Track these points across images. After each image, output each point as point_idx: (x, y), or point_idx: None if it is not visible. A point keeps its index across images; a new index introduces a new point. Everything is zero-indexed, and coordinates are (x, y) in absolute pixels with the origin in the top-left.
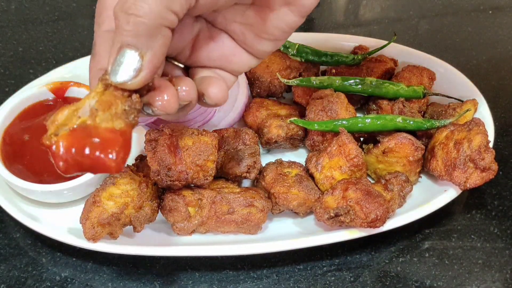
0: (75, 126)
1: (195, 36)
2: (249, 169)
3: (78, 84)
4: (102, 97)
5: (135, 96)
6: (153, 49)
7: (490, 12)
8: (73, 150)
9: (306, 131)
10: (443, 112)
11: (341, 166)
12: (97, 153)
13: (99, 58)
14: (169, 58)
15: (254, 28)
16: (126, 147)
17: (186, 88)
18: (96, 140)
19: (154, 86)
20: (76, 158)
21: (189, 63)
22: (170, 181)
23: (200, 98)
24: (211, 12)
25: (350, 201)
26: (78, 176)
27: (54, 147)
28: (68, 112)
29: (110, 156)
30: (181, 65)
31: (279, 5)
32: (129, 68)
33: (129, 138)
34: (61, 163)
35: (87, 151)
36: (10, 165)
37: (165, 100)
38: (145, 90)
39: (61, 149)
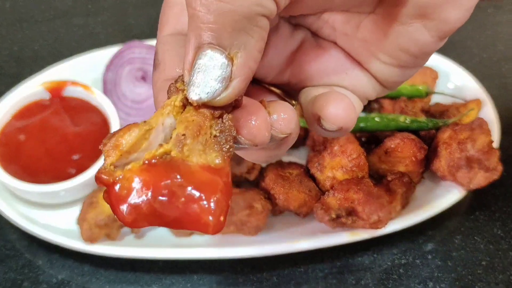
0: (153, 160)
1: (294, 49)
2: (249, 169)
3: (75, 83)
4: (183, 115)
5: (226, 117)
6: (247, 48)
7: (488, 10)
8: (150, 194)
9: (306, 131)
10: (446, 111)
11: (342, 167)
12: (190, 202)
13: (164, 67)
14: (259, 81)
15: (370, 45)
16: (227, 194)
17: (284, 116)
18: (187, 182)
19: (240, 104)
20: (154, 206)
21: (289, 85)
22: None
23: (315, 124)
24: (315, 19)
25: (351, 202)
26: (73, 175)
27: (118, 186)
28: (138, 132)
29: (208, 207)
30: (277, 90)
31: (409, 17)
32: (213, 76)
33: (229, 179)
34: (126, 211)
35: (175, 197)
36: (6, 166)
37: (253, 126)
38: (230, 108)
39: (133, 191)
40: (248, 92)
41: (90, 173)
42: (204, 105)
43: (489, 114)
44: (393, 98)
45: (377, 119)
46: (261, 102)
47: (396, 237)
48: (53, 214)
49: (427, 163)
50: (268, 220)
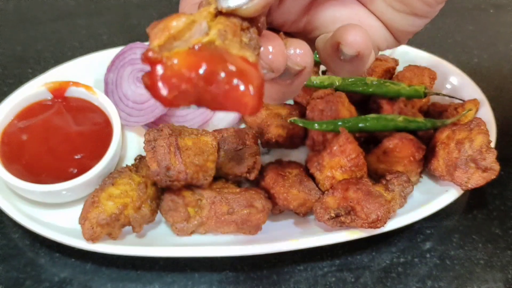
0: (197, 46)
1: None
2: (249, 169)
3: (77, 84)
4: (217, 21)
5: (253, 31)
6: None
7: (491, 10)
8: (195, 73)
9: (306, 131)
10: (445, 112)
11: (341, 166)
12: (233, 84)
13: None
14: (276, 30)
15: None
16: (262, 84)
17: (300, 51)
18: (231, 65)
19: (261, 30)
20: (197, 84)
21: (305, 33)
22: (170, 181)
23: (333, 56)
24: None
25: (350, 202)
26: (75, 174)
27: (162, 66)
28: (185, 20)
29: (248, 90)
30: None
31: None
32: None
33: (263, 77)
34: (168, 88)
35: (218, 77)
36: (9, 165)
37: (271, 52)
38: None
39: (179, 71)
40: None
41: (92, 173)
42: (233, 15)
43: (487, 114)
44: (392, 98)
45: (376, 119)
46: (278, 34)
47: (395, 236)
48: (55, 213)
49: (425, 163)
50: (268, 219)
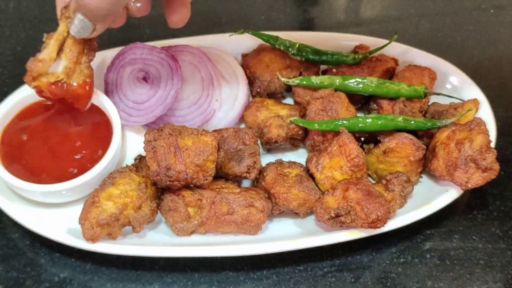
0: (53, 81)
1: None
2: (249, 169)
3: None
4: (68, 45)
5: (95, 43)
6: (104, 24)
7: (491, 11)
8: (53, 96)
9: (306, 131)
10: (444, 112)
11: (341, 166)
12: (72, 99)
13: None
14: None
15: None
16: (91, 89)
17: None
18: (71, 93)
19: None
20: (55, 99)
21: None
22: (170, 181)
23: None
24: None
25: (350, 202)
26: (75, 174)
27: (36, 89)
28: (42, 65)
29: (80, 103)
30: None
31: None
32: (85, 30)
33: (92, 80)
34: (43, 97)
35: (65, 98)
36: (9, 165)
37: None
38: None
39: (43, 92)
40: None
41: (92, 173)
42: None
43: (486, 114)
44: (392, 98)
45: (376, 119)
46: None
47: (395, 236)
48: (55, 213)
49: (425, 163)
50: (268, 219)
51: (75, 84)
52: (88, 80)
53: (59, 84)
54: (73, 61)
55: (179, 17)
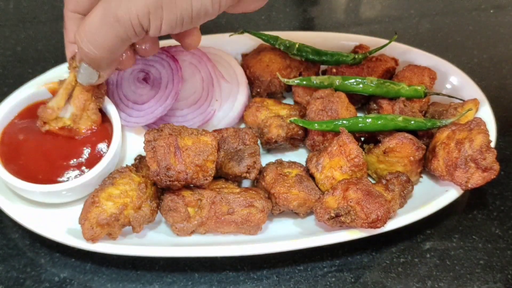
0: (59, 126)
1: None
2: (249, 169)
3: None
4: (76, 94)
5: (103, 90)
6: (106, 72)
7: (491, 11)
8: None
9: (306, 131)
10: (444, 111)
11: (341, 166)
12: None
13: (67, 33)
14: None
15: None
16: (107, 136)
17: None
18: (79, 138)
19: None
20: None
21: None
22: (170, 181)
23: None
24: None
25: (350, 202)
26: (75, 174)
27: (46, 130)
28: (51, 112)
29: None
30: None
31: None
32: (91, 78)
33: (100, 117)
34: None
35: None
36: (9, 165)
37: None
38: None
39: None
40: None
41: (92, 173)
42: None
43: (487, 114)
44: (392, 98)
45: (376, 119)
46: None
47: (395, 236)
48: (55, 213)
49: (425, 163)
50: (268, 219)
51: (81, 128)
52: (94, 127)
53: (67, 128)
54: (80, 108)
55: (192, 39)
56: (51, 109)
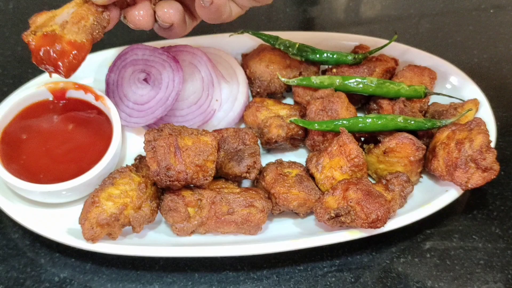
0: (46, 32)
1: None
2: (249, 169)
3: (78, 84)
4: (79, 9)
5: (106, 14)
6: None
7: (491, 11)
8: (42, 50)
9: (306, 131)
10: (444, 111)
11: (341, 166)
12: (56, 57)
13: None
14: None
15: None
16: (79, 59)
17: (169, 11)
18: (58, 47)
19: (132, 2)
20: (42, 56)
21: None
22: (170, 181)
23: (199, 2)
24: None
25: (350, 202)
26: (75, 174)
27: (30, 44)
28: (46, 16)
29: (64, 62)
30: None
31: None
32: None
33: (86, 51)
34: (33, 57)
35: (50, 53)
36: (9, 165)
37: (138, 15)
38: (125, 4)
39: (33, 47)
40: None
41: (92, 173)
42: (92, 3)
43: (487, 114)
44: (392, 98)
45: (376, 119)
46: (150, 1)
47: (395, 236)
48: (55, 213)
49: (425, 163)
50: (268, 219)
51: (66, 37)
52: (81, 42)
53: (51, 34)
54: (75, 18)
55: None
56: (45, 14)
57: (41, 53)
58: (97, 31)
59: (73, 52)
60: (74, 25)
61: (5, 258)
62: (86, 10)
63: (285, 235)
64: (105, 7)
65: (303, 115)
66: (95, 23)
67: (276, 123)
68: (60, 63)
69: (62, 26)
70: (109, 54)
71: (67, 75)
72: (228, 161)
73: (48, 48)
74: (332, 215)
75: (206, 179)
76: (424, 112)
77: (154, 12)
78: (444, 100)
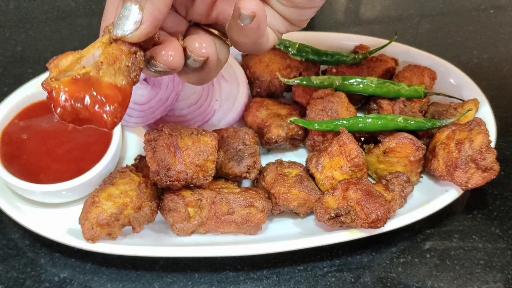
0: (78, 76)
1: None
2: (249, 169)
3: None
4: (107, 49)
5: (139, 54)
6: (153, 2)
7: (491, 11)
8: (73, 99)
9: (306, 131)
10: (444, 111)
11: (341, 166)
12: (96, 106)
13: (106, 16)
14: (198, 24)
15: None
16: (124, 105)
17: (198, 45)
18: (97, 93)
19: (160, 41)
20: (75, 107)
21: (220, 22)
22: (170, 181)
23: (237, 21)
24: None
25: (350, 202)
26: (75, 174)
27: (54, 92)
28: (72, 58)
29: (108, 111)
30: (215, 31)
31: None
32: (130, 21)
33: (129, 96)
34: (59, 109)
35: (86, 102)
36: (9, 165)
37: (168, 55)
38: (151, 45)
39: (62, 96)
40: (188, 32)
41: (91, 173)
42: (123, 41)
43: (487, 114)
44: (392, 98)
45: (376, 119)
46: (177, 36)
47: (395, 236)
48: (55, 213)
49: (425, 163)
50: (268, 219)
51: (103, 81)
52: (122, 85)
53: (84, 78)
54: (108, 59)
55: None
56: (71, 55)
57: (72, 103)
58: (134, 74)
59: (117, 97)
60: (109, 67)
61: (5, 258)
62: (117, 50)
63: (285, 235)
64: (139, 46)
65: (303, 115)
66: (130, 64)
67: (276, 123)
68: (102, 112)
69: (96, 68)
70: None
71: (112, 126)
72: (228, 161)
73: (83, 94)
74: (332, 215)
75: (206, 179)
76: (424, 112)
77: (184, 49)
78: (444, 100)
